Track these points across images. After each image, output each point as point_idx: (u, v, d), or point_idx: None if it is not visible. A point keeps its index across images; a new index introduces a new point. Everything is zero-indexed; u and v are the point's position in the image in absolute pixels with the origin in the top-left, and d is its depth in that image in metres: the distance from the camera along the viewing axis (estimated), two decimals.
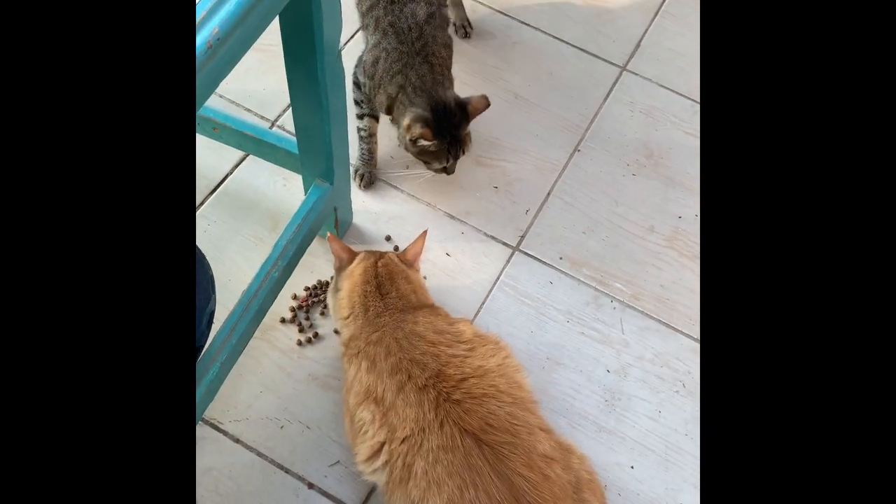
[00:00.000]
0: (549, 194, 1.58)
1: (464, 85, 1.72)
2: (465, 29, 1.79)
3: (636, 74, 1.77)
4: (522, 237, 1.51)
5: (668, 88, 1.75)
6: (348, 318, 1.17)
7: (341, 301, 1.19)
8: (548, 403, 1.32)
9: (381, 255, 1.24)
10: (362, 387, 1.06)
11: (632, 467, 1.28)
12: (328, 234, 1.31)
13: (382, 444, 1.01)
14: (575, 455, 1.06)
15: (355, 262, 1.22)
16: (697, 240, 1.53)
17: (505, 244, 1.50)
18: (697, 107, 1.73)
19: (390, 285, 1.18)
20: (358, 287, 1.18)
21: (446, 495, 0.93)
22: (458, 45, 1.79)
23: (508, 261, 1.48)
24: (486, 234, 1.51)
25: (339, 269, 1.25)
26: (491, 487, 0.92)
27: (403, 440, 0.98)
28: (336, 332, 1.36)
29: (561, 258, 1.49)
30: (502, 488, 0.92)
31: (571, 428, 1.31)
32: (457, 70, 1.75)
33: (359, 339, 1.11)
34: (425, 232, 1.29)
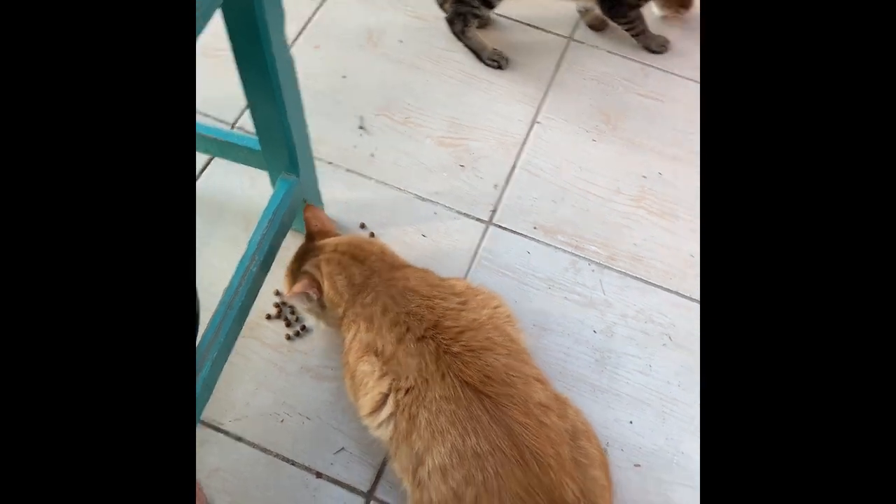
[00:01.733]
0: (514, 167, 1.59)
1: (416, 69, 1.73)
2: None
3: (582, 43, 1.81)
4: (494, 211, 1.53)
5: (615, 54, 1.79)
6: (338, 299, 1.15)
7: (328, 293, 1.17)
8: (541, 369, 1.33)
9: (319, 244, 1.22)
10: (362, 344, 1.06)
11: (630, 422, 1.31)
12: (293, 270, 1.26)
13: (386, 396, 1.02)
14: (570, 407, 1.08)
15: (318, 269, 1.20)
16: (663, 197, 1.57)
17: (478, 220, 1.52)
18: (648, 69, 1.77)
19: (361, 251, 1.17)
20: (334, 270, 1.16)
21: (450, 443, 0.95)
22: (404, 32, 1.80)
23: (484, 235, 1.50)
24: (458, 211, 1.52)
25: (320, 296, 1.19)
26: (490, 434, 0.94)
27: (407, 391, 0.99)
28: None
29: (535, 228, 1.51)
30: (501, 434, 0.94)
31: (567, 390, 1.32)
32: (407, 54, 1.76)
33: (354, 306, 1.11)
34: (307, 204, 1.31)
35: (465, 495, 0.93)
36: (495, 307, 1.10)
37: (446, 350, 1.00)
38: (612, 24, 1.80)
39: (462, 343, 1.01)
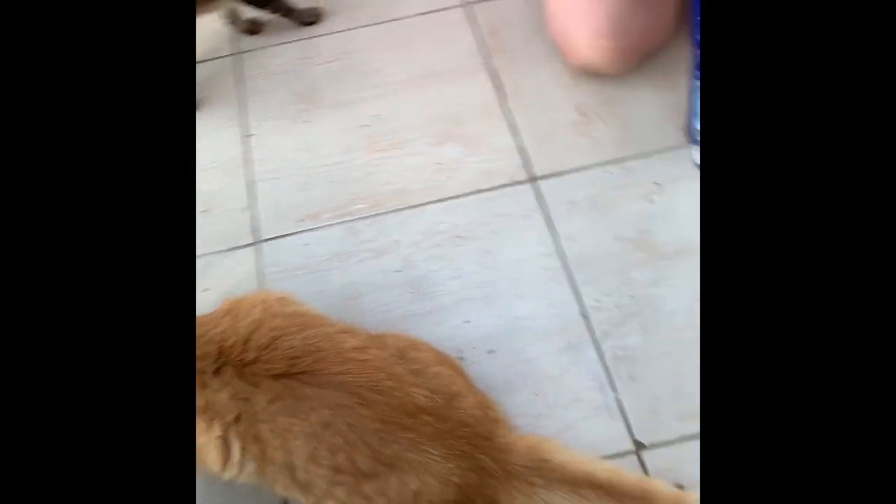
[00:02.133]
0: (253, 183, 1.62)
1: None
2: None
3: (251, 50, 1.85)
4: (256, 230, 1.55)
5: (282, 43, 1.85)
6: None
7: None
8: (371, 329, 1.38)
9: None
10: None
11: (467, 321, 1.38)
12: None
13: (224, 437, 1.01)
14: (389, 336, 1.12)
15: None
16: (389, 132, 1.65)
17: (246, 245, 1.53)
18: (316, 40, 1.85)
19: None
20: None
21: (300, 432, 0.96)
22: None
23: (260, 256, 1.51)
24: (223, 251, 1.53)
25: None
26: (324, 399, 0.96)
27: (237, 419, 0.99)
28: None
29: (301, 220, 1.55)
30: (332, 393, 0.97)
31: (403, 332, 1.37)
32: None
33: None
34: None
35: (340, 464, 0.96)
36: (263, 300, 1.11)
37: (243, 363, 1.01)
38: (263, 17, 1.85)
39: (253, 347, 1.02)
